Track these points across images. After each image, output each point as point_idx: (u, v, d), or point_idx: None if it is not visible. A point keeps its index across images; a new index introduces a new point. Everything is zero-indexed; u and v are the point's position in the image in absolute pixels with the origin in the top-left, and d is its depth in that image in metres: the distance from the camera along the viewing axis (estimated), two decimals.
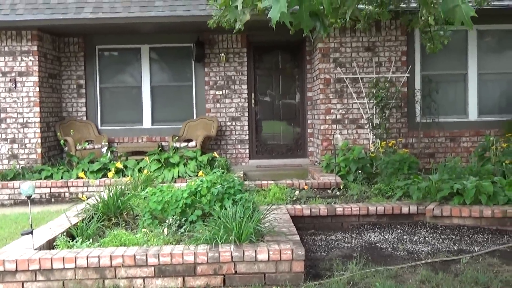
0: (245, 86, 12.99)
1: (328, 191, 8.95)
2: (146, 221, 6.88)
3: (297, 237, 5.67)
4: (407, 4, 9.42)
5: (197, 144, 12.04)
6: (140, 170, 10.78)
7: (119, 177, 10.40)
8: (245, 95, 13.00)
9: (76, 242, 5.87)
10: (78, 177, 10.76)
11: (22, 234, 5.51)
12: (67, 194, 10.60)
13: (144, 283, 5.12)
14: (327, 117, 11.69)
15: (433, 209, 7.27)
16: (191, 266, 5.12)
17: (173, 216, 6.87)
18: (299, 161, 13.06)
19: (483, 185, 7.33)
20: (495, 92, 12.14)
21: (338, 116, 11.70)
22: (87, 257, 5.09)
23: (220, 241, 5.35)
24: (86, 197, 8.12)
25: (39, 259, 5.07)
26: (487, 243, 6.61)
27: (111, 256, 5.09)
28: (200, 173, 8.98)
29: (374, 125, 11.30)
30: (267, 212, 5.96)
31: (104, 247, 5.52)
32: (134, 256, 5.10)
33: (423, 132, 11.66)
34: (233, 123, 13.04)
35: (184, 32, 12.71)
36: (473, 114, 11.96)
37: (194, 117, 13.04)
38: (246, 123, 13.05)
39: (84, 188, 10.57)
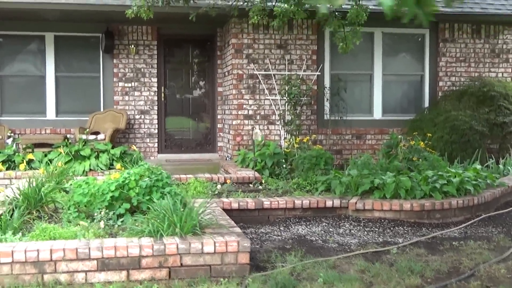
0: (155, 79, 12.80)
1: (250, 185, 9.02)
2: (71, 215, 6.64)
3: (238, 229, 5.70)
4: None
5: (106, 137, 11.72)
6: (48, 163, 10.36)
7: (25, 170, 9.96)
8: (155, 89, 12.81)
9: (4, 235, 5.56)
10: None
11: None
12: None
13: (86, 277, 4.94)
14: (239, 113, 11.77)
15: (356, 202, 7.53)
16: (135, 259, 5.00)
17: (99, 209, 6.70)
18: (209, 156, 13.05)
19: (401, 180, 7.68)
20: (398, 92, 12.73)
21: (250, 112, 11.82)
22: (25, 250, 4.84)
23: (165, 233, 5.26)
24: (2, 189, 7.70)
25: None
26: (408, 235, 6.94)
27: (51, 249, 4.88)
28: (118, 165, 8.78)
29: (286, 121, 11.50)
30: (207, 205, 5.92)
31: (42, 241, 5.27)
32: (76, 249, 4.91)
33: (332, 129, 12.02)
34: (142, 117, 12.82)
35: (93, 22, 12.31)
36: (377, 113, 12.48)
37: (102, 109, 12.69)
38: (155, 116, 12.87)
39: None
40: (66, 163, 10.40)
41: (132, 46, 12.59)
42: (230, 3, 10.32)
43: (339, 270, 5.43)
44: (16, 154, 10.72)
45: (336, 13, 9.70)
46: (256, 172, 9.61)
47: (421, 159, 9.66)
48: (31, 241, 5.41)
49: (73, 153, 10.51)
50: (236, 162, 11.02)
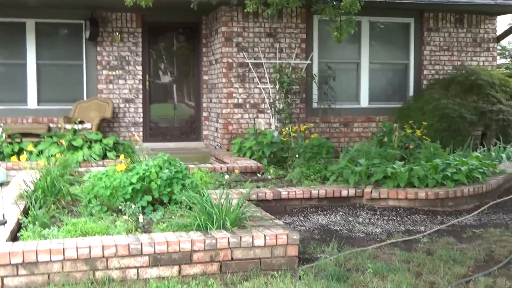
0: (139, 67, 12.58)
1: (258, 174, 9.00)
2: (94, 208, 6.51)
3: (280, 221, 5.68)
4: None
5: (93, 126, 11.48)
6: (39, 154, 10.08)
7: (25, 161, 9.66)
8: (140, 77, 12.60)
9: (43, 230, 5.39)
10: None
11: None
12: None
13: (138, 273, 4.85)
14: (229, 101, 11.70)
15: (371, 191, 7.60)
16: (187, 253, 4.93)
17: (122, 202, 6.58)
18: (194, 145, 12.95)
19: (414, 169, 7.80)
20: (384, 81, 12.88)
21: (240, 101, 11.77)
22: (76, 247, 4.71)
23: (213, 227, 5.21)
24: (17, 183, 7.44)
25: (23, 251, 4.61)
26: (426, 223, 7.06)
27: (103, 246, 4.76)
28: (121, 156, 8.57)
29: (278, 110, 11.49)
30: (245, 199, 5.86)
31: (89, 236, 5.15)
32: (128, 245, 4.81)
33: (320, 118, 12.07)
34: (127, 105, 12.60)
35: (76, 8, 12.00)
36: (364, 101, 12.61)
37: (85, 98, 12.40)
38: (140, 105, 12.67)
39: None
40: (57, 153, 10.15)
41: (117, 33, 12.34)
42: None
43: (381, 260, 5.49)
44: (5, 144, 10.39)
45: (334, 2, 9.72)
46: (258, 162, 9.58)
47: (418, 147, 9.82)
48: (68, 236, 5.27)
49: (66, 143, 10.24)
50: (230, 151, 10.95)
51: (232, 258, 5.04)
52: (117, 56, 12.44)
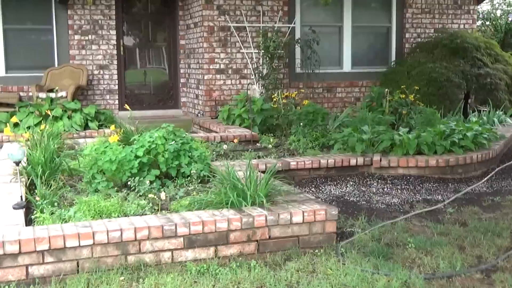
0: (113, 32, 11.96)
1: (258, 144, 8.65)
2: (99, 184, 6.08)
3: (311, 195, 5.39)
4: None
5: (68, 94, 10.88)
6: (16, 125, 9.50)
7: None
8: (114, 42, 11.98)
9: (63, 211, 4.95)
10: None
11: (15, 208, 4.49)
12: None
13: (172, 256, 4.49)
14: (211, 67, 11.26)
15: (380, 160, 7.38)
16: (223, 233, 4.59)
17: (129, 177, 6.17)
18: (172, 112, 12.49)
19: (422, 136, 7.60)
20: (366, 44, 12.62)
21: (222, 66, 11.34)
22: (107, 231, 4.31)
23: (248, 204, 4.87)
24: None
25: (49, 237, 4.18)
26: (441, 191, 6.90)
27: (135, 228, 4.38)
28: (112, 127, 8.09)
29: (262, 75, 11.12)
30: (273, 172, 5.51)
31: (105, 216, 4.76)
32: (162, 226, 4.43)
33: (304, 83, 11.76)
34: (101, 72, 11.99)
35: None
36: (347, 65, 12.34)
37: (56, 65, 11.74)
38: (115, 72, 12.08)
39: None
40: (36, 124, 9.57)
41: None
42: None
43: (416, 233, 5.28)
44: None
45: None
46: (251, 131, 9.23)
47: (411, 112, 9.66)
48: (88, 218, 4.86)
49: (43, 113, 9.66)
50: (216, 119, 10.53)
51: (269, 236, 4.73)
52: (90, 20, 11.78)
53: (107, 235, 4.31)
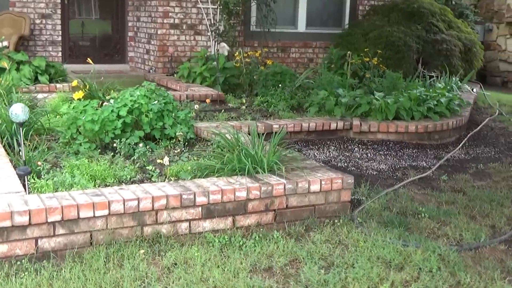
0: None
1: (230, 104, 8.31)
2: (81, 146, 5.65)
3: (320, 163, 5.19)
4: None
5: (10, 44, 10.11)
6: None
7: None
8: None
9: (62, 177, 4.51)
10: None
11: (20, 175, 4.02)
12: None
13: (190, 226, 4.20)
14: (165, 21, 10.74)
15: (360, 124, 7.26)
16: (242, 203, 4.33)
17: (112, 138, 5.78)
18: (119, 67, 11.88)
19: (399, 101, 7.53)
20: (321, 4, 12.37)
21: (176, 21, 10.84)
22: (123, 200, 3.95)
23: (265, 171, 4.61)
24: None
25: (61, 207, 3.78)
26: (422, 157, 6.89)
27: (153, 197, 4.03)
28: (74, 82, 7.54)
29: (219, 32, 10.71)
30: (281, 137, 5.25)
31: (99, 181, 4.42)
32: (181, 195, 4.11)
33: (257, 42, 11.45)
34: (44, 21, 11.18)
35: None
36: (302, 25, 12.10)
37: None
38: (59, 22, 11.29)
39: None
40: None
41: None
42: None
43: (421, 202, 5.22)
44: None
45: None
46: (217, 90, 8.88)
47: (374, 76, 9.58)
48: (88, 185, 4.48)
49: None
50: (182, 76, 9.96)
51: (287, 206, 4.51)
52: None
53: (124, 205, 3.95)
